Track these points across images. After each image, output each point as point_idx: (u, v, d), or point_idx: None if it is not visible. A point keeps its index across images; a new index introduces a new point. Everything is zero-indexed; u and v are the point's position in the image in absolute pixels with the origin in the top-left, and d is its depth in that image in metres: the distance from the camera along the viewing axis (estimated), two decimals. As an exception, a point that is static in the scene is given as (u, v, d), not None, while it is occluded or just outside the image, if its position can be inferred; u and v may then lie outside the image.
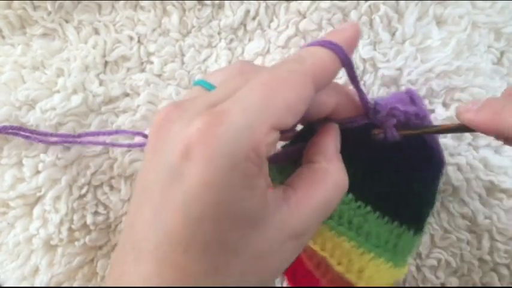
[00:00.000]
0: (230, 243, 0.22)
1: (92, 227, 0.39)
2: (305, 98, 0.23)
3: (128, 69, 0.40)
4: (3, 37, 0.39)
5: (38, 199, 0.39)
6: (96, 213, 0.39)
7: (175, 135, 0.22)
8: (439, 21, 0.39)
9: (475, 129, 0.27)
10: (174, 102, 0.24)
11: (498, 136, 0.27)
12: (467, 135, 0.39)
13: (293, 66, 0.23)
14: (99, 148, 0.39)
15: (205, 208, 0.21)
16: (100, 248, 0.40)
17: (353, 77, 0.27)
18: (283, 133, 0.24)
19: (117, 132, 0.38)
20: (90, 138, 0.38)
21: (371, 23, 0.39)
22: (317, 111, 0.28)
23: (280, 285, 0.40)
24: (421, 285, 0.39)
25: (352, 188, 0.27)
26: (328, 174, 0.26)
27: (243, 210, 0.21)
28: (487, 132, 0.27)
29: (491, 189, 0.39)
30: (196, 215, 0.21)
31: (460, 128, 0.28)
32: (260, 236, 0.22)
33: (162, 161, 0.22)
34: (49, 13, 0.39)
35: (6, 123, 0.37)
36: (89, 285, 0.39)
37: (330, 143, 0.28)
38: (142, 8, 0.40)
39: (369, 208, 0.30)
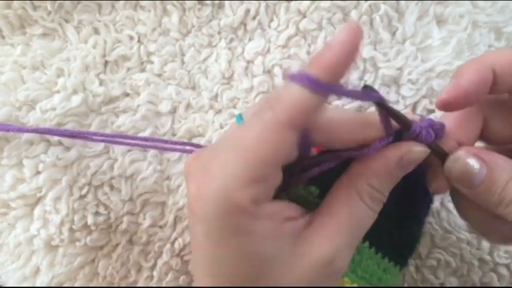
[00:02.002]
0: (252, 279, 0.24)
1: (92, 228, 0.39)
2: (283, 147, 0.23)
3: (128, 69, 0.40)
4: (3, 37, 0.39)
5: (39, 200, 0.39)
6: (96, 213, 0.39)
7: (188, 194, 0.25)
8: (440, 21, 0.39)
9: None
10: (195, 154, 0.27)
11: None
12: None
13: (265, 116, 0.22)
14: (99, 148, 0.39)
15: (212, 255, 0.24)
16: (101, 248, 0.40)
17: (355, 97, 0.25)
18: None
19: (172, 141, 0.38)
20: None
21: (371, 23, 0.39)
22: (343, 145, 0.26)
23: None
24: (420, 286, 0.40)
25: None
26: (361, 193, 0.25)
27: (247, 254, 0.23)
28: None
29: (492, 189, 0.39)
30: (213, 257, 0.24)
31: None
32: (284, 270, 0.24)
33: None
34: (49, 13, 0.39)
35: (6, 124, 0.37)
36: (90, 286, 0.40)
37: (382, 163, 0.25)
38: (142, 7, 0.40)
39: (366, 244, 0.29)
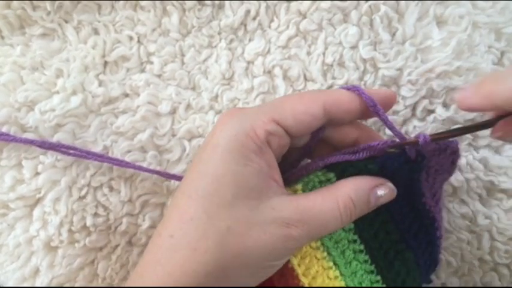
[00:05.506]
0: (226, 199, 0.27)
1: (91, 229, 0.39)
2: (311, 113, 0.29)
3: (128, 70, 0.40)
4: (2, 37, 0.39)
5: (38, 201, 0.38)
6: (95, 214, 0.39)
7: (217, 132, 0.29)
8: (440, 22, 0.39)
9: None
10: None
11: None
12: (468, 136, 0.39)
13: (314, 91, 0.32)
14: (98, 149, 0.39)
15: (240, 174, 0.28)
16: (100, 249, 0.40)
17: (378, 114, 0.30)
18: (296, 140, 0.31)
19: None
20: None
21: (371, 23, 0.39)
22: (341, 140, 0.32)
23: None
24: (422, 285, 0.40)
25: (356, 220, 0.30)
26: (338, 196, 0.29)
27: (240, 173, 0.28)
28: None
29: (491, 189, 0.39)
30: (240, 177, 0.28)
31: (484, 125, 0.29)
32: (252, 206, 0.27)
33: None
34: (48, 13, 0.39)
35: (6, 125, 0.37)
36: (90, 287, 0.39)
37: (366, 181, 0.30)
38: (142, 8, 0.39)
39: (362, 247, 0.32)
